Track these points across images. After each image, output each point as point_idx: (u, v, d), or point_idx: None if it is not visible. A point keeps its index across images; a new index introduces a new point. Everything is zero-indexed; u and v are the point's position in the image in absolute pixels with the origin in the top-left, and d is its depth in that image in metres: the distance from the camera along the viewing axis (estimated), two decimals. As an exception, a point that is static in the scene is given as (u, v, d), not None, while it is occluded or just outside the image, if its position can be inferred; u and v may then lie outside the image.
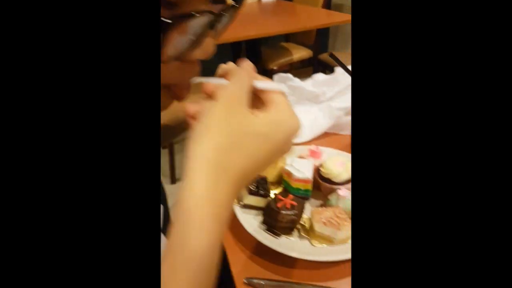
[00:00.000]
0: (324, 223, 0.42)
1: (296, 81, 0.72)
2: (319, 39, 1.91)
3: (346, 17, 1.60)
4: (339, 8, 2.37)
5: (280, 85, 0.26)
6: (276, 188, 0.53)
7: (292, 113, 0.25)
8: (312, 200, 0.50)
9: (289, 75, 0.72)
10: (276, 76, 0.72)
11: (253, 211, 0.48)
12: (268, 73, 1.91)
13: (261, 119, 0.23)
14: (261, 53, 1.94)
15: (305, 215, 0.46)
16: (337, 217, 0.42)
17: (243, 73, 0.25)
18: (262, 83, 0.25)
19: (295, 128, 0.25)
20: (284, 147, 0.25)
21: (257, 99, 0.26)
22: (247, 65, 0.26)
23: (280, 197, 0.45)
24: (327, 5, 2.15)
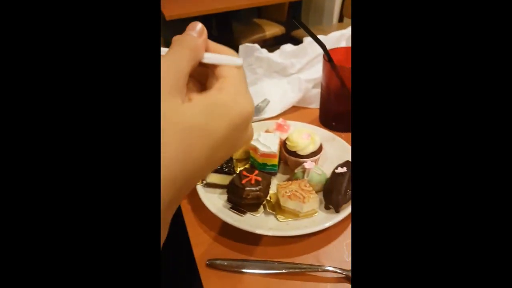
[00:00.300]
0: (289, 197, 0.40)
1: (264, 51, 0.68)
2: (292, 14, 1.85)
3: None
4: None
5: (235, 58, 0.21)
6: (244, 165, 0.50)
7: (240, 92, 0.20)
8: (280, 176, 0.48)
9: (256, 45, 0.67)
10: (241, 47, 0.67)
11: (218, 190, 0.45)
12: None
13: (193, 106, 0.18)
14: (233, 30, 1.86)
15: (272, 191, 0.44)
16: (302, 190, 0.41)
17: (179, 47, 0.20)
18: (210, 56, 0.20)
19: (244, 112, 0.19)
20: (234, 137, 0.20)
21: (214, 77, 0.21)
22: (190, 35, 0.20)
23: (245, 173, 0.43)
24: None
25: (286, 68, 0.68)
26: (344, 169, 0.42)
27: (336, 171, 0.43)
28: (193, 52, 0.20)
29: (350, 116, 0.56)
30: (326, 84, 0.56)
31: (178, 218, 0.44)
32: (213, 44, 0.22)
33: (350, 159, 0.46)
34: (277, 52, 0.69)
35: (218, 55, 0.21)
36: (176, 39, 0.21)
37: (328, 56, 0.52)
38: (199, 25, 0.21)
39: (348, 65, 0.52)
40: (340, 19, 2.07)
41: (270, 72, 0.69)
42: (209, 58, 0.21)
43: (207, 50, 0.21)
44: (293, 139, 0.47)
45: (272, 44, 2.10)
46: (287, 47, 0.71)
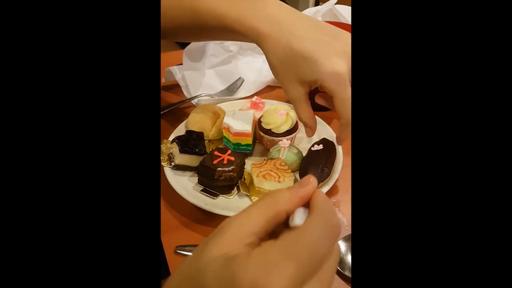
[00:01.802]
0: (264, 177, 0.37)
1: (237, 29, 0.62)
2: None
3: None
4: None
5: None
6: (216, 145, 0.46)
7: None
8: (255, 157, 0.45)
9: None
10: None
11: (188, 172, 0.41)
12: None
13: (246, 264, 0.15)
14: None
15: (246, 172, 0.41)
16: (278, 169, 0.37)
17: (265, 207, 0.17)
18: (300, 215, 0.17)
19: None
20: None
21: None
22: (286, 196, 0.17)
23: (217, 153, 0.38)
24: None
25: (261, 46, 0.63)
26: (321, 146, 0.40)
27: (313, 148, 0.40)
28: (277, 217, 0.17)
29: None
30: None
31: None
32: (319, 198, 0.17)
33: (326, 137, 0.43)
34: (251, 28, 0.64)
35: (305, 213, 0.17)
36: (266, 195, 0.18)
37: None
38: (307, 189, 0.17)
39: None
40: (317, 3, 2.02)
41: (244, 49, 0.64)
42: (297, 220, 0.17)
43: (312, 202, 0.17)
44: (268, 117, 0.43)
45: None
46: (262, 24, 0.66)
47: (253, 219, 0.17)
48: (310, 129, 0.38)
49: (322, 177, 0.37)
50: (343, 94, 0.33)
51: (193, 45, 0.60)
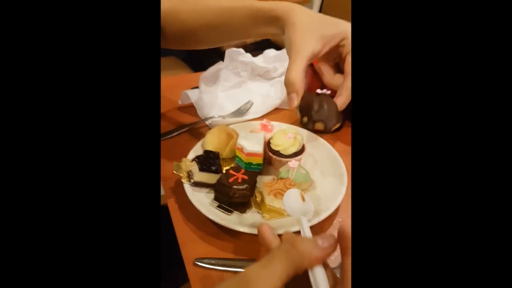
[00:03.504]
0: (275, 195, 0.39)
1: (248, 56, 0.67)
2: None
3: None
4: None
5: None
6: (229, 163, 0.49)
7: None
8: (265, 176, 0.47)
9: (241, 50, 0.66)
10: (227, 51, 0.66)
11: (205, 189, 0.43)
12: (222, 54, 1.81)
13: None
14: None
15: (257, 189, 0.43)
16: (287, 188, 0.40)
17: (284, 261, 0.17)
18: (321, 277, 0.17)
19: None
20: None
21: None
22: (309, 251, 0.17)
23: (232, 172, 0.41)
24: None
25: (269, 72, 0.67)
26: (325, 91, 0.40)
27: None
28: (298, 272, 0.17)
29: (330, 116, 0.57)
30: (307, 86, 0.56)
31: (166, 217, 0.42)
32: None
33: (333, 158, 0.46)
34: (260, 56, 0.68)
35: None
36: (291, 245, 0.18)
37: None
38: (327, 244, 0.18)
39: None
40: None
41: (254, 75, 0.67)
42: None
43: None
44: (277, 139, 0.46)
45: (253, 49, 2.09)
46: (270, 52, 0.70)
47: (276, 274, 0.17)
48: (296, 94, 0.34)
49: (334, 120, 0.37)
50: None
51: (209, 72, 0.64)
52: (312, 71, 0.52)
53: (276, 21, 0.36)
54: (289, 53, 0.34)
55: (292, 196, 0.33)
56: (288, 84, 0.34)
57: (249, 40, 1.83)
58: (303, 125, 0.34)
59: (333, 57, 0.36)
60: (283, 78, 0.65)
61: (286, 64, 0.68)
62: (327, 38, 0.34)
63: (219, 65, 0.67)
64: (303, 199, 0.34)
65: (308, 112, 0.35)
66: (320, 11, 2.05)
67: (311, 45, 0.33)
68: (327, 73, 0.36)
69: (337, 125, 0.35)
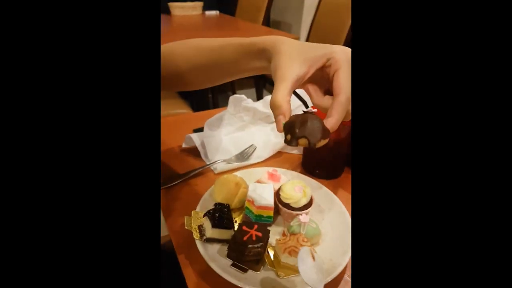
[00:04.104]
0: (289, 253, 0.39)
1: (250, 102, 0.69)
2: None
3: (285, 34, 1.64)
4: (277, 24, 2.43)
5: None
6: (238, 215, 0.49)
7: None
8: (274, 226, 0.48)
9: (243, 96, 0.68)
10: (231, 98, 0.67)
11: (216, 245, 0.43)
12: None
13: None
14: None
15: (269, 244, 0.43)
16: (301, 245, 0.40)
17: None
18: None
19: None
20: None
21: None
22: None
23: (245, 228, 0.41)
24: (267, 21, 2.19)
25: (270, 116, 0.69)
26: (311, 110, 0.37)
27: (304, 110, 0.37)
28: None
29: (331, 165, 0.59)
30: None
31: (177, 274, 0.40)
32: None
33: (338, 207, 0.47)
34: (261, 102, 0.71)
35: None
36: None
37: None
38: None
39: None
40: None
41: (256, 119, 0.69)
42: None
43: None
44: (287, 191, 0.47)
45: (247, 82, 2.14)
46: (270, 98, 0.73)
47: None
48: (282, 116, 0.32)
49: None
50: (347, 68, 0.32)
51: (213, 118, 0.65)
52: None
53: (264, 53, 0.36)
54: (274, 79, 0.34)
55: (304, 257, 0.34)
56: (274, 107, 0.32)
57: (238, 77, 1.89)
58: (287, 143, 0.32)
59: (322, 81, 0.34)
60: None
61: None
62: (311, 61, 0.33)
63: (223, 112, 0.68)
64: (314, 258, 0.35)
65: (291, 129, 0.32)
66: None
67: (296, 68, 0.33)
68: (315, 94, 0.34)
69: (323, 142, 0.32)
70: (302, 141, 0.31)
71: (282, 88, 0.32)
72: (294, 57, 0.33)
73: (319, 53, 0.33)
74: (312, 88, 0.35)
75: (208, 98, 1.88)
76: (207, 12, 2.00)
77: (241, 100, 0.68)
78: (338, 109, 0.31)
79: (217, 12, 2.03)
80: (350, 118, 0.34)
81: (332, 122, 0.32)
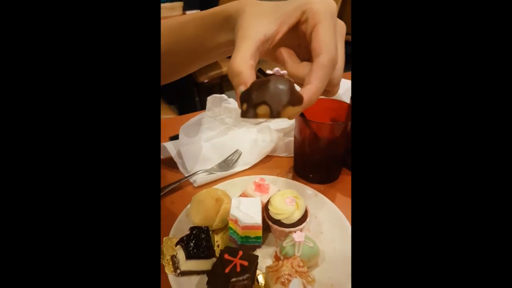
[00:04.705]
0: (283, 283, 0.32)
1: (231, 101, 0.61)
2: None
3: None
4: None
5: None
6: (221, 236, 0.41)
7: None
8: (264, 248, 0.40)
9: (224, 96, 0.60)
10: (209, 98, 0.60)
11: (194, 278, 0.35)
12: (199, 86, 1.77)
13: None
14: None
15: (258, 271, 0.36)
16: (297, 271, 0.33)
17: None
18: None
19: None
20: None
21: None
22: None
23: (228, 256, 0.33)
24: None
25: (255, 117, 0.62)
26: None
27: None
28: None
29: (326, 168, 0.52)
30: (300, 136, 0.51)
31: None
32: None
33: (337, 217, 0.40)
34: (244, 100, 0.63)
35: None
36: None
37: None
38: None
39: (318, 116, 0.48)
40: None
41: (239, 121, 0.62)
42: None
43: None
44: (277, 205, 0.39)
45: (228, 79, 2.08)
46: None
47: None
48: (244, 86, 0.23)
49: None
50: (330, 22, 0.24)
51: (190, 123, 0.57)
52: (303, 121, 0.47)
53: (228, 22, 0.28)
54: (235, 40, 0.25)
55: None
56: (232, 75, 0.24)
57: (226, 70, 1.81)
58: (242, 115, 0.23)
59: (298, 43, 0.26)
60: (270, 123, 0.61)
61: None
62: (283, 16, 0.25)
63: (200, 115, 0.60)
64: None
65: (248, 96, 0.23)
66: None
67: (262, 27, 0.25)
68: (290, 60, 0.26)
69: (293, 110, 0.23)
70: (262, 110, 0.22)
71: (244, 49, 0.24)
72: (261, 14, 0.25)
73: (291, 6, 0.25)
74: (285, 52, 0.26)
75: (195, 101, 1.81)
76: (188, 12, 1.92)
77: (221, 100, 0.60)
78: (318, 73, 0.23)
79: (199, 11, 1.95)
80: (336, 89, 0.26)
81: (310, 90, 0.23)
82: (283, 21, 0.25)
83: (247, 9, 0.26)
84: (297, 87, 0.24)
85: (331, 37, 0.24)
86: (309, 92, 0.23)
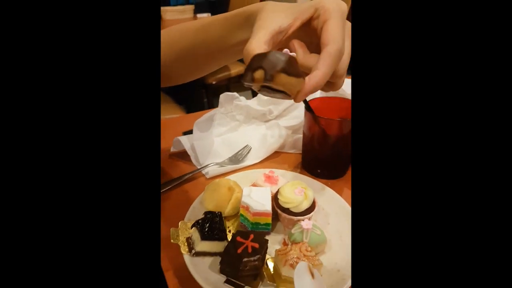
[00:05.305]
0: (291, 265, 0.34)
1: (242, 99, 0.64)
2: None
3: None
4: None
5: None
6: (233, 223, 0.43)
7: None
8: (273, 234, 0.42)
9: (235, 94, 0.63)
10: (222, 95, 0.62)
11: (208, 259, 0.37)
12: (207, 88, 1.80)
13: None
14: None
15: (268, 255, 0.38)
16: (305, 255, 0.35)
17: None
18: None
19: None
20: None
21: None
22: None
23: (240, 239, 0.36)
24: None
25: (265, 115, 0.64)
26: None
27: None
28: None
29: (334, 164, 0.54)
30: (309, 132, 0.53)
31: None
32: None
33: (343, 209, 0.42)
34: (255, 99, 0.66)
35: None
36: None
37: (307, 106, 0.49)
38: None
39: (327, 114, 0.50)
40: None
41: (249, 118, 0.64)
42: None
43: None
44: (286, 195, 0.41)
45: (236, 81, 2.11)
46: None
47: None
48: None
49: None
50: (339, 19, 0.26)
51: (203, 118, 0.60)
52: (313, 118, 0.50)
53: (249, 20, 0.31)
54: (253, 31, 0.28)
55: (301, 274, 0.28)
56: (248, 57, 0.26)
57: (234, 72, 1.84)
58: (242, 80, 0.25)
59: (310, 38, 0.29)
60: (279, 120, 0.63)
61: (280, 107, 0.66)
62: (297, 13, 0.28)
63: (213, 111, 0.63)
64: (313, 275, 0.29)
65: (249, 65, 0.25)
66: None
67: (279, 19, 0.28)
68: (301, 51, 0.28)
69: (288, 79, 0.24)
70: (258, 74, 0.24)
71: (259, 36, 0.27)
72: (278, 10, 0.29)
73: (306, 5, 0.28)
74: (297, 44, 0.29)
75: (204, 102, 1.84)
76: (199, 15, 1.97)
77: (232, 98, 0.62)
78: (327, 60, 0.25)
79: (209, 14, 1.99)
80: (341, 82, 0.29)
81: (317, 76, 0.25)
82: (298, 17, 0.28)
83: (266, 7, 0.30)
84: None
85: (339, 31, 0.26)
86: (315, 77, 0.25)
